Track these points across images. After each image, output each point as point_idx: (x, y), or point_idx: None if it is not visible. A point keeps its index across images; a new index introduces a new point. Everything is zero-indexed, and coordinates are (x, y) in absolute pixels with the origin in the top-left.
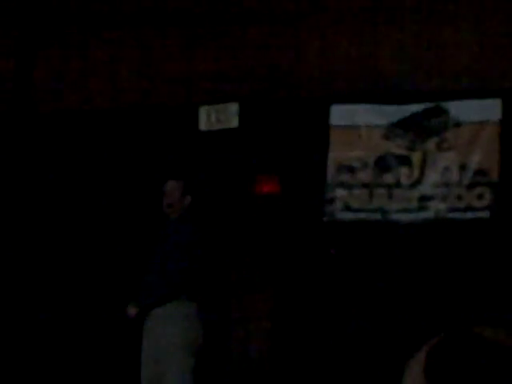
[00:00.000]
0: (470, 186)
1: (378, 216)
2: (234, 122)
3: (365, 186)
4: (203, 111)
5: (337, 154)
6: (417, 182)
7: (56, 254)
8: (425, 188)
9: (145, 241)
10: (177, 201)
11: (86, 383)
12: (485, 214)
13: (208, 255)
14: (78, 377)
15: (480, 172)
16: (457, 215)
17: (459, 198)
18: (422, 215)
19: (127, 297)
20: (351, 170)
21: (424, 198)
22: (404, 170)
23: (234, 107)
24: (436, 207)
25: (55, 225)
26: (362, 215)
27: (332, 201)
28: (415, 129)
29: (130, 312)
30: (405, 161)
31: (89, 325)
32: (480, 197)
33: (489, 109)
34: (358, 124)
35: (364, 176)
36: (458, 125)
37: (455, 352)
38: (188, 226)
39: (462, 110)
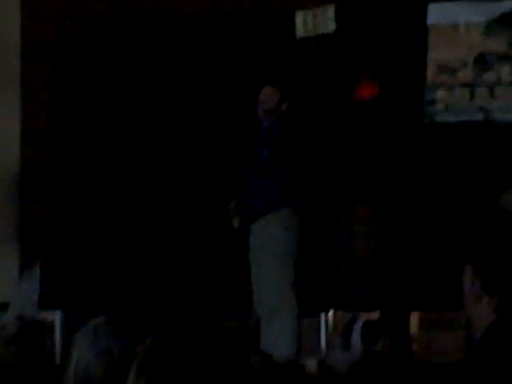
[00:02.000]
0: None
1: (480, 116)
2: (331, 27)
3: (465, 85)
4: (300, 16)
5: (436, 54)
6: None
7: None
8: None
9: (240, 149)
10: (273, 107)
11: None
12: None
13: (307, 163)
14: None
15: None
16: None
17: None
18: None
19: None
20: (451, 70)
21: None
22: (505, 68)
23: (330, 11)
24: None
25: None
26: (463, 116)
27: (432, 102)
28: None
29: (235, 224)
30: (505, 58)
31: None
32: None
33: None
34: (457, 22)
35: (464, 75)
36: None
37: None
38: (285, 132)
39: None
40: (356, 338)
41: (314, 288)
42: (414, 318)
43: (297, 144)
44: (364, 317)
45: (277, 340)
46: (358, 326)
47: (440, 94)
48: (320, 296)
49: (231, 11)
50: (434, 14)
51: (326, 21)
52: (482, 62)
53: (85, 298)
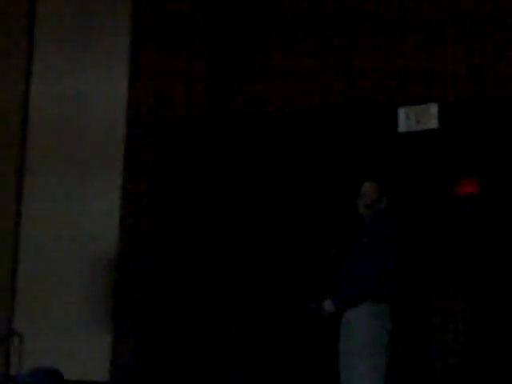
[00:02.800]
0: None
1: None
2: (434, 123)
3: None
4: (402, 112)
5: None
6: None
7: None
8: None
9: (340, 241)
10: (373, 202)
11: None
12: None
13: (405, 255)
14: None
15: None
16: None
17: None
18: None
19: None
20: None
21: None
22: None
23: (433, 108)
24: None
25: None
26: None
27: None
28: None
29: (327, 309)
30: None
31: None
32: None
33: None
34: None
35: None
36: None
37: None
38: (381, 225)
39: None
40: None
41: None
42: None
43: (396, 234)
44: None
45: None
46: None
47: None
48: None
49: (332, 104)
50: None
51: (429, 117)
52: None
53: None
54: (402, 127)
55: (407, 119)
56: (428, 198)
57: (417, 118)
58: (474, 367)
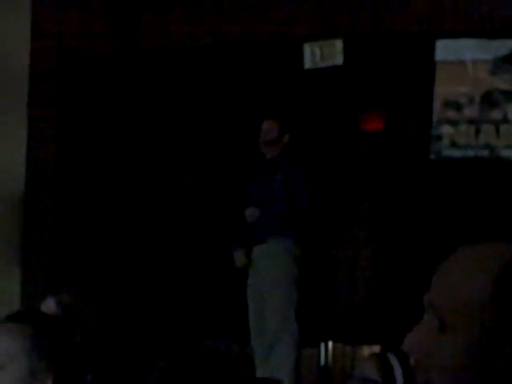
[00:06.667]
0: None
1: (485, 153)
2: (339, 59)
3: (471, 122)
4: (308, 48)
5: (443, 89)
6: None
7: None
8: None
9: (242, 180)
10: (274, 139)
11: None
12: None
13: (311, 195)
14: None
15: None
16: None
17: None
18: None
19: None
20: (457, 105)
21: None
22: (511, 106)
23: (338, 44)
24: None
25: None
26: (469, 152)
27: (438, 138)
28: None
29: (239, 262)
30: None
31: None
32: None
33: None
34: (464, 59)
35: (470, 112)
36: None
37: None
38: (287, 164)
39: None
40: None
41: (314, 319)
42: None
43: (299, 175)
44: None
45: (275, 369)
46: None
47: (446, 129)
48: (320, 327)
49: (235, 42)
50: (442, 50)
51: (334, 53)
52: (489, 99)
53: None
54: (308, 64)
55: (312, 55)
56: (333, 135)
57: (322, 54)
58: (379, 305)
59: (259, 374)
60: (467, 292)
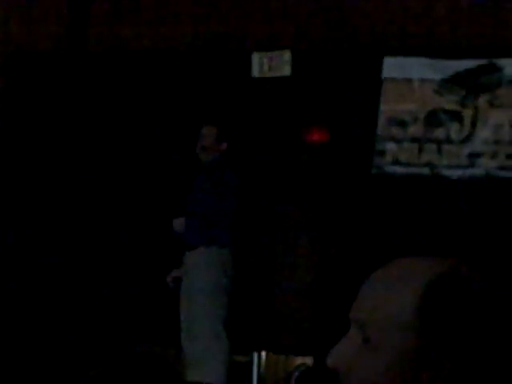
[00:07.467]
0: None
1: (426, 171)
2: (287, 70)
3: (415, 140)
4: (256, 57)
5: (388, 106)
6: (467, 139)
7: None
8: (475, 145)
9: (180, 184)
10: (211, 145)
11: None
12: None
13: (246, 201)
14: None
15: None
16: (507, 174)
17: (510, 156)
18: (472, 172)
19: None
20: (402, 123)
21: (474, 155)
22: (455, 126)
23: (287, 55)
24: (486, 165)
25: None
26: (410, 169)
27: (381, 154)
28: (468, 85)
29: (172, 276)
30: (456, 116)
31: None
32: None
33: None
34: (411, 77)
35: (414, 130)
36: (511, 82)
37: None
38: (221, 171)
39: None
40: None
41: (246, 329)
42: None
43: (232, 181)
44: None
45: (206, 379)
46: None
47: (390, 145)
48: (253, 337)
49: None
50: (390, 68)
51: (282, 64)
52: (433, 118)
53: None
54: (256, 73)
55: (260, 65)
56: (278, 145)
57: (270, 64)
58: (317, 312)
59: (190, 377)
60: (390, 309)
